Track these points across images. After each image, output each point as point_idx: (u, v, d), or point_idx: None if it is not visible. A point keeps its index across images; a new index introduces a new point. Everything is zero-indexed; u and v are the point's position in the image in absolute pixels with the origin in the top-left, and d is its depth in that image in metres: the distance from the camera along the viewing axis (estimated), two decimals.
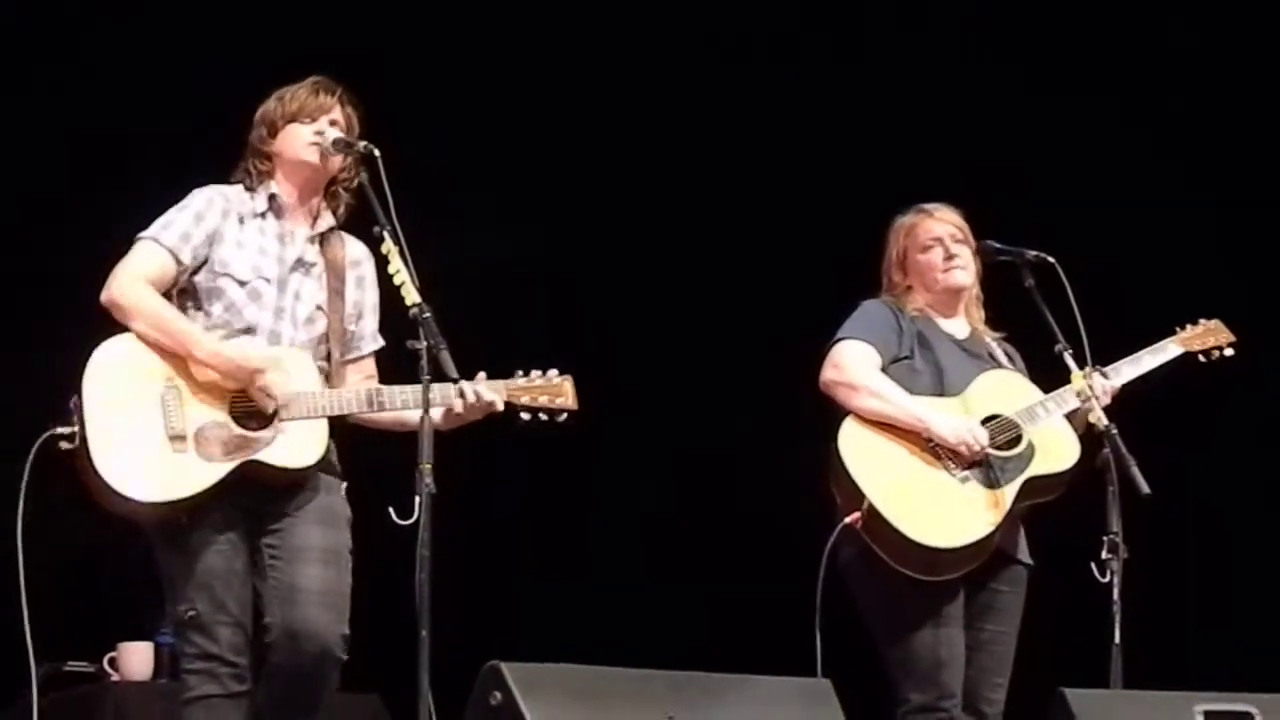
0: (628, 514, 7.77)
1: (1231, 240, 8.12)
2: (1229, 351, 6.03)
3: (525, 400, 5.17)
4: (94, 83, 7.16)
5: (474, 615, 6.48)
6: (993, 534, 5.56)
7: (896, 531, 5.49)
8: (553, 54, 7.86)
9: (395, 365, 5.10)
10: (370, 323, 5.26)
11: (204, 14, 7.28)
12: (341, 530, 5.07)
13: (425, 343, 4.88)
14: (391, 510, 4.87)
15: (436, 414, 5.00)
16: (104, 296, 5.03)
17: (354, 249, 5.25)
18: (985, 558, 5.58)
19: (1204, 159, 8.12)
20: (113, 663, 6.69)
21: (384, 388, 5.10)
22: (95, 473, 4.87)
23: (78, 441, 4.87)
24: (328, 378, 5.13)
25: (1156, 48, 8.14)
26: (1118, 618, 5.40)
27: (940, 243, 5.82)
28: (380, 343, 5.26)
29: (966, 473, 5.60)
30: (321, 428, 5.03)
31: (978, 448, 5.57)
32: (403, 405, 5.03)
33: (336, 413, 5.04)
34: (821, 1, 8.13)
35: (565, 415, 5.21)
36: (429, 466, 4.78)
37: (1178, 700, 5.47)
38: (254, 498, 5.00)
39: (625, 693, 5.07)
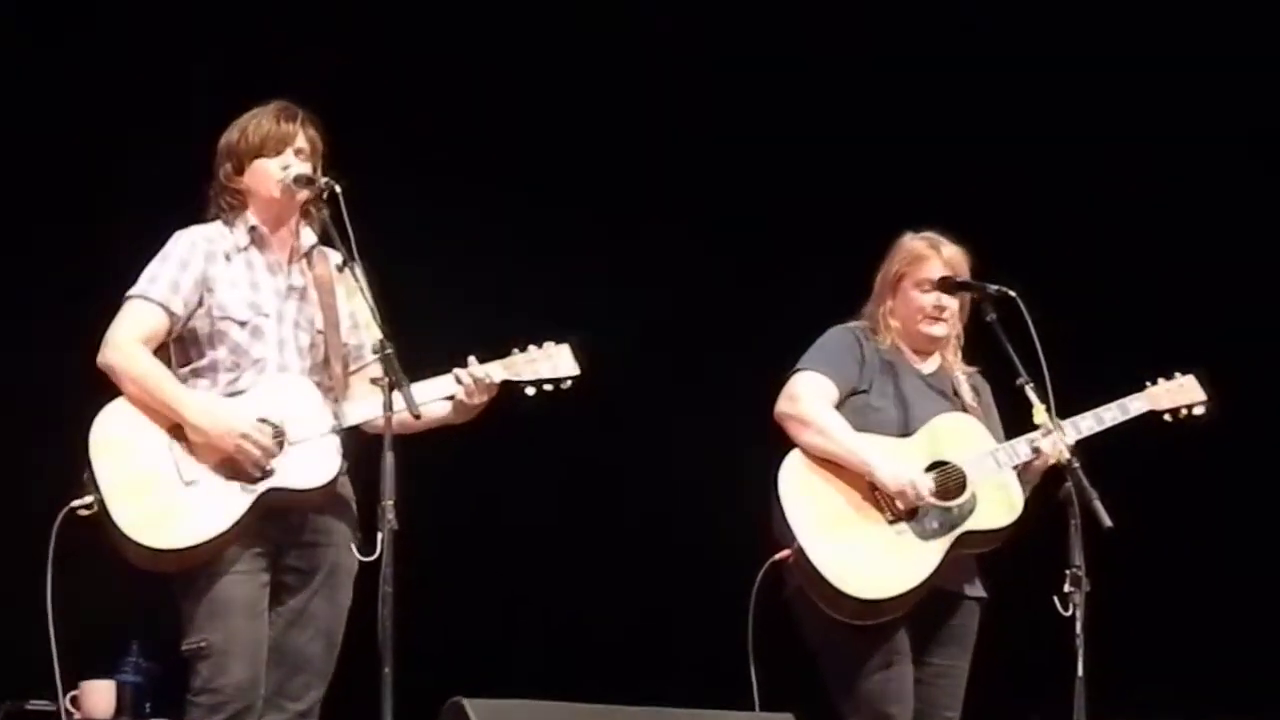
0: (591, 550, 7.75)
1: (1194, 269, 8.14)
2: (1199, 410, 5.91)
3: (527, 375, 5.18)
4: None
5: (437, 651, 6.47)
6: (920, 586, 5.53)
7: (823, 579, 5.46)
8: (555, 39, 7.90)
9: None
10: (368, 331, 5.20)
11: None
12: (346, 592, 5.09)
13: (387, 379, 4.89)
14: (354, 546, 4.88)
15: (444, 409, 5.09)
16: (100, 360, 5.05)
17: (336, 259, 5.20)
18: (917, 601, 5.54)
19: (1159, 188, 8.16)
20: (74, 701, 6.66)
21: (344, 407, 5.09)
22: (121, 533, 4.89)
23: (96, 507, 4.89)
24: (335, 394, 5.13)
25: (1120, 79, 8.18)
26: (1081, 650, 5.39)
27: (935, 289, 5.79)
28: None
29: (903, 523, 5.56)
30: (331, 444, 5.03)
31: (914, 496, 5.55)
32: (359, 420, 5.04)
33: (324, 434, 5.03)
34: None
35: (569, 381, 5.21)
36: (391, 503, 4.77)
37: None
38: (278, 528, 5.02)
39: None
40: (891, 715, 5.51)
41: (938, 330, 5.81)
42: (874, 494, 5.57)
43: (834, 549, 5.49)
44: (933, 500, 5.56)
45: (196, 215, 5.23)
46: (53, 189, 7.16)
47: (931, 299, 5.79)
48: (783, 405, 5.68)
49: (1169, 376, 5.94)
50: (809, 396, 5.65)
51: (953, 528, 5.57)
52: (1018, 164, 8.02)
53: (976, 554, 5.66)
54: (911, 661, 5.58)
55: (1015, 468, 5.66)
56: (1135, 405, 5.87)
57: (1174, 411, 5.90)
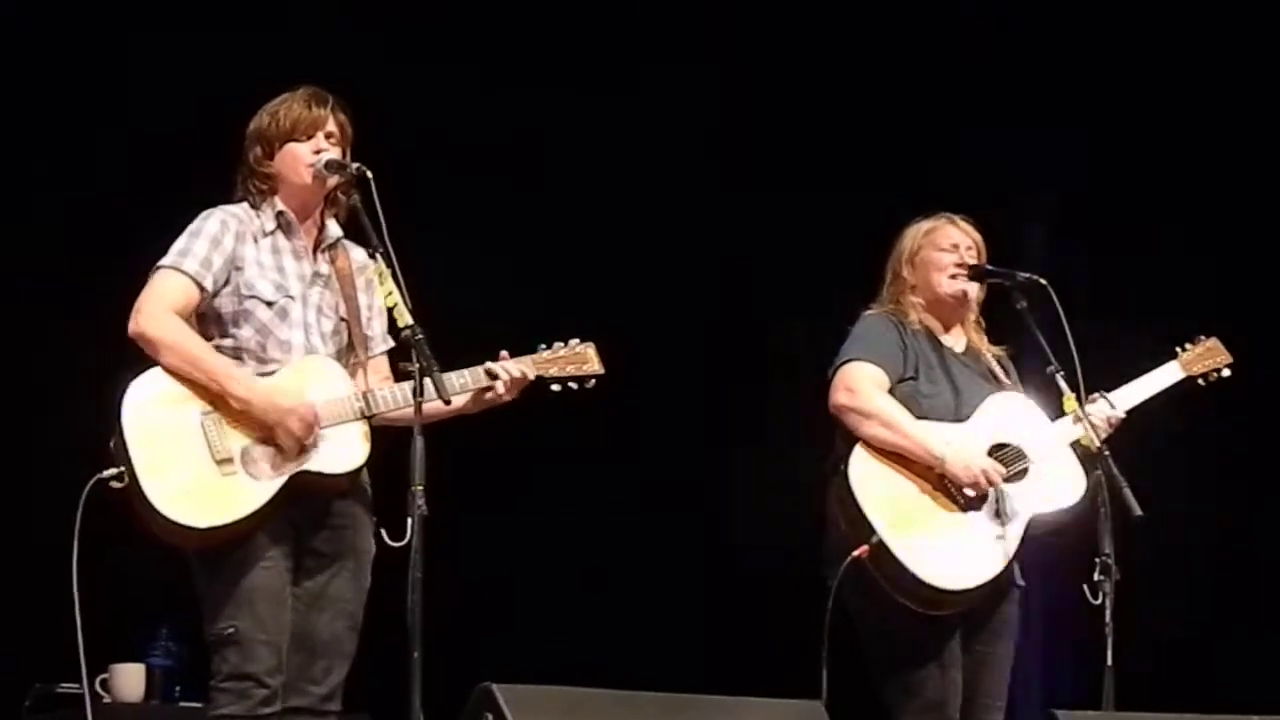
0: (621, 534, 7.76)
1: (1218, 258, 8.11)
2: (1226, 373, 6.00)
3: (553, 372, 5.22)
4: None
5: (466, 636, 6.49)
6: (1003, 573, 5.55)
7: (906, 571, 5.44)
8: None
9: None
10: (379, 325, 5.26)
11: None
12: (366, 576, 5.10)
13: (418, 364, 4.89)
14: (384, 532, 4.89)
15: (465, 399, 5.09)
16: (132, 328, 5.01)
17: (357, 254, 5.24)
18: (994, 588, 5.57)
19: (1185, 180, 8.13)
20: (104, 684, 6.68)
21: (375, 389, 5.10)
22: (151, 508, 4.87)
23: (127, 480, 4.88)
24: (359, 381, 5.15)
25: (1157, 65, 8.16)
26: (1110, 639, 5.39)
27: (956, 249, 5.80)
28: (390, 343, 5.25)
29: (976, 511, 5.56)
30: (361, 430, 5.04)
31: (986, 485, 5.55)
32: (390, 406, 5.04)
33: (354, 419, 5.03)
34: None
35: (593, 381, 5.25)
36: (421, 489, 4.77)
37: None
38: (302, 511, 5.02)
39: (617, 714, 5.06)
40: (945, 704, 5.51)
41: (957, 285, 5.79)
42: (944, 483, 5.56)
43: (914, 541, 5.47)
44: (1003, 485, 5.57)
45: (214, 190, 5.23)
46: (61, 160, 7.19)
47: (952, 257, 5.78)
48: (841, 398, 5.63)
49: (1194, 342, 6.01)
50: (867, 388, 5.61)
51: (1024, 511, 5.57)
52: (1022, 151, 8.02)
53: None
54: (961, 652, 5.58)
55: (1070, 444, 5.65)
56: (1171, 373, 5.93)
57: (1205, 375, 5.98)
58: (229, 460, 4.93)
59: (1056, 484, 5.63)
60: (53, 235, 7.08)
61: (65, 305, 6.70)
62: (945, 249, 5.80)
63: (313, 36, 7.30)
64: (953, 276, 5.79)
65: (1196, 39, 8.06)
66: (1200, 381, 5.98)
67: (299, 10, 7.43)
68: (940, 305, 5.82)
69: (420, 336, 4.90)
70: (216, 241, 5.10)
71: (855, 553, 5.46)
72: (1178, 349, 6.00)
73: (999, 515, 5.57)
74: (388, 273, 4.98)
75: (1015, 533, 5.56)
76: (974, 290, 5.83)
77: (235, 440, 4.96)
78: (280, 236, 5.18)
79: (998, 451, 5.63)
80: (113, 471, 4.89)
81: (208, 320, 5.11)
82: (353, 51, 7.34)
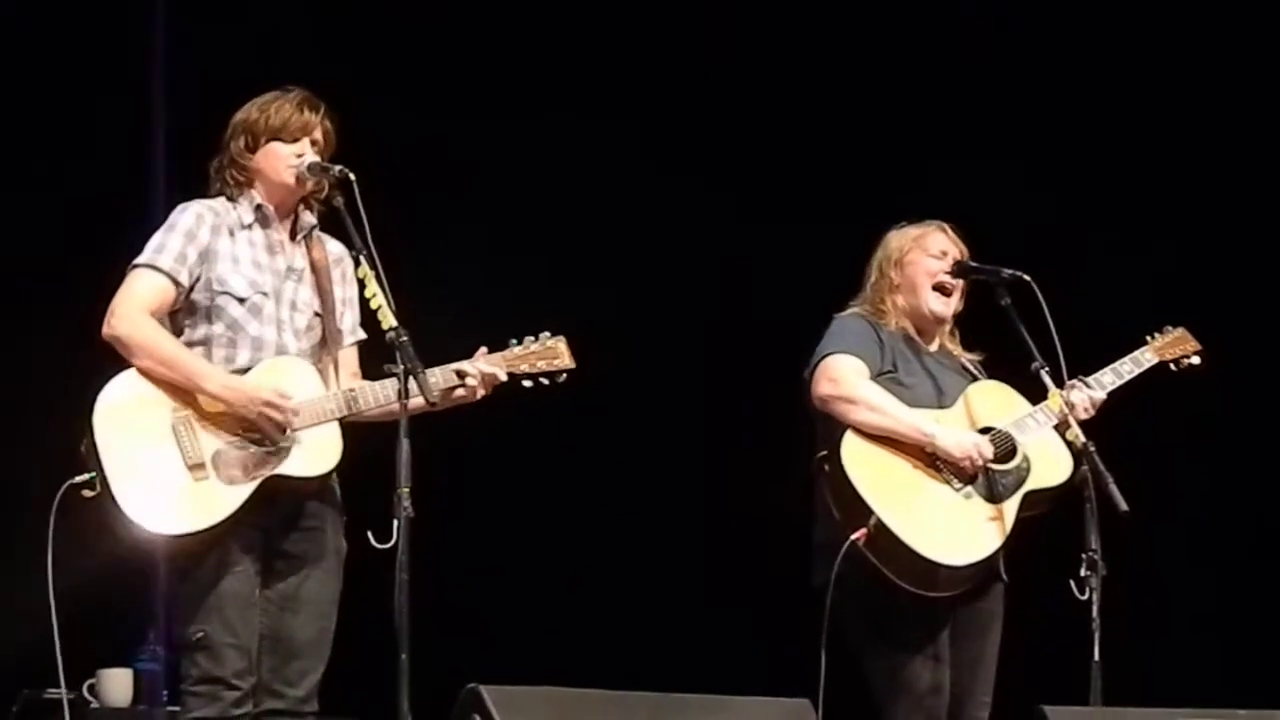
0: (609, 534, 7.76)
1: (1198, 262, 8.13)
2: (1195, 360, 6.10)
3: (524, 368, 5.21)
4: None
5: (453, 638, 6.48)
6: (1000, 549, 5.57)
7: (907, 548, 5.45)
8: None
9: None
10: (351, 317, 5.26)
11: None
12: (338, 576, 5.10)
13: (402, 366, 4.89)
14: (370, 534, 4.88)
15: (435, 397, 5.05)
16: (106, 331, 5.01)
17: (332, 246, 5.25)
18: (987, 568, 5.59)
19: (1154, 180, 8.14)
20: (92, 689, 6.68)
21: (359, 386, 5.10)
22: (124, 516, 4.85)
23: (99, 487, 4.86)
24: (324, 379, 5.14)
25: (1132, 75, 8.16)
26: (1097, 635, 5.40)
27: (945, 256, 5.83)
28: (360, 335, 5.25)
29: (968, 487, 5.59)
30: (334, 431, 5.03)
31: (981, 462, 5.57)
32: (377, 403, 5.03)
33: (331, 419, 5.03)
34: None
35: (565, 375, 5.24)
36: (407, 490, 4.76)
37: (1157, 716, 5.49)
38: (271, 514, 5.01)
39: (605, 714, 5.08)
40: (935, 700, 5.52)
41: (941, 308, 5.82)
42: (935, 462, 5.59)
43: (913, 519, 5.48)
44: (993, 465, 5.59)
45: (186, 189, 5.23)
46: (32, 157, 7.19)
47: (943, 264, 5.81)
48: (825, 388, 5.64)
49: (1162, 332, 6.11)
50: (850, 376, 5.63)
51: (1016, 488, 5.61)
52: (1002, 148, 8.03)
53: (1025, 517, 5.66)
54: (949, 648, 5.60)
55: (1054, 426, 5.69)
56: (1146, 357, 6.04)
57: (1176, 361, 6.08)
58: (201, 465, 4.92)
59: (1045, 462, 5.66)
60: (52, 235, 7.07)
61: (65, 305, 6.67)
62: (935, 255, 5.83)
63: (309, 36, 7.32)
64: (936, 288, 5.82)
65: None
66: (1173, 367, 6.08)
67: (298, 9, 7.44)
68: (919, 315, 5.84)
69: (405, 339, 4.90)
70: (191, 236, 5.09)
71: (854, 536, 5.46)
72: (1148, 337, 6.08)
73: (992, 494, 5.60)
74: (371, 275, 4.98)
75: (1011, 509, 5.59)
76: (952, 308, 5.86)
77: (208, 443, 4.94)
78: (257, 230, 5.17)
79: (985, 433, 5.66)
80: (84, 477, 4.87)
81: (180, 315, 5.10)
82: (343, 45, 7.36)
